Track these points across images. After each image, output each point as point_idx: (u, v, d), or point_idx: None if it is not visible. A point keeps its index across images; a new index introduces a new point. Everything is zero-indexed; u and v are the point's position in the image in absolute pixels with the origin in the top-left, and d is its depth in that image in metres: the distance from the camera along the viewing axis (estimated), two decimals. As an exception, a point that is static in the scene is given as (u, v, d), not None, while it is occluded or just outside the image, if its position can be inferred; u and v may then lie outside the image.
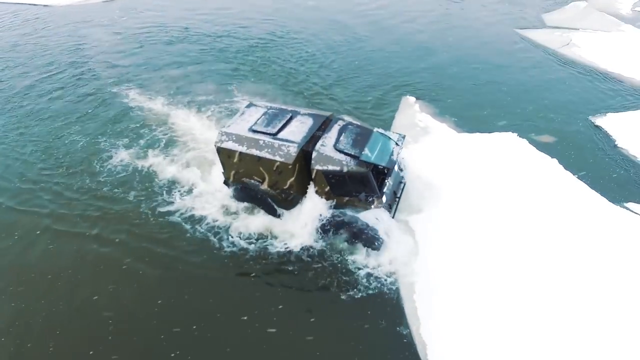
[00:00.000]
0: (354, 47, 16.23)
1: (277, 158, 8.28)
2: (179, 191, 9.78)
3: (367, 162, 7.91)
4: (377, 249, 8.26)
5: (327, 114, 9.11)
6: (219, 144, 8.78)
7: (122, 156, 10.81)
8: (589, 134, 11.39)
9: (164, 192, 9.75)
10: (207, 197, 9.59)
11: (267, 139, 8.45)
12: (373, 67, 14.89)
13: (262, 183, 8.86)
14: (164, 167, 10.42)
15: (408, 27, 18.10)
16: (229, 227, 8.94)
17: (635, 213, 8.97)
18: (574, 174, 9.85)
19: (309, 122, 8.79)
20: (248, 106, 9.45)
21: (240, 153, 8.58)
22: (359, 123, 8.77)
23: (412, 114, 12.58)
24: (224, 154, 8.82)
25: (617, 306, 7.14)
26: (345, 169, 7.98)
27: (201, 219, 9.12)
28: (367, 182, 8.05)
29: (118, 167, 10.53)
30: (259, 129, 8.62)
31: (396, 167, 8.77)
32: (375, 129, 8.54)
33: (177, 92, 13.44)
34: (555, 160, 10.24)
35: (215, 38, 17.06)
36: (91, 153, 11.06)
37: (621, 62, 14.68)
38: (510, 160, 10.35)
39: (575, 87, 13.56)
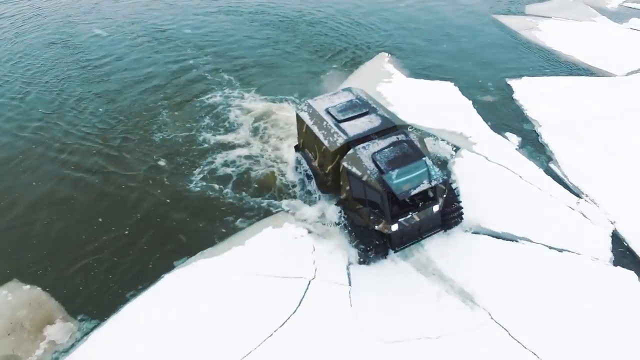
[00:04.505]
0: (357, 22, 19.97)
1: (325, 142, 8.70)
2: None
3: (385, 182, 7.73)
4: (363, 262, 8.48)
5: (399, 122, 9.09)
6: (297, 111, 9.70)
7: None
8: (501, 88, 14.51)
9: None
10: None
11: (330, 123, 8.91)
12: (360, 35, 18.60)
13: (315, 160, 9.52)
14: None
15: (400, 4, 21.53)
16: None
17: (507, 139, 12.10)
18: (479, 113, 13.16)
19: (376, 122, 8.87)
20: (345, 89, 10.13)
21: (307, 126, 9.27)
22: (418, 144, 8.49)
23: (379, 64, 16.31)
24: (299, 121, 9.71)
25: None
26: (364, 178, 7.94)
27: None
28: (380, 201, 7.92)
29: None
30: (331, 112, 9.13)
31: (436, 208, 8.28)
32: (426, 158, 8.12)
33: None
34: (470, 102, 13.65)
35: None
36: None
37: (568, 43, 17.09)
38: (440, 100, 13.83)
39: (511, 56, 16.56)
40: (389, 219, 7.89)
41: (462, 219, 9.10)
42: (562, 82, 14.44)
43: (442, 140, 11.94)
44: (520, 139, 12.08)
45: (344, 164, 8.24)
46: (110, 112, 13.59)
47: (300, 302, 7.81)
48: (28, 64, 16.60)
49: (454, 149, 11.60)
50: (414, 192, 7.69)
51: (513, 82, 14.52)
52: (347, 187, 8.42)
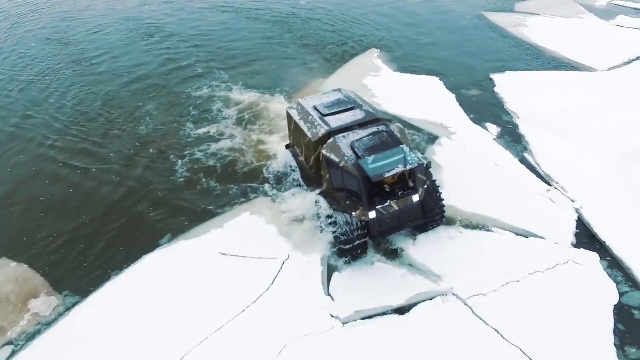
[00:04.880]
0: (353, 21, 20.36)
1: (309, 134, 8.98)
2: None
3: (361, 167, 7.87)
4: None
5: (381, 116, 9.35)
6: (288, 109, 10.00)
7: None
8: (484, 82, 14.85)
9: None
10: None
11: (316, 117, 9.18)
12: (354, 31, 19.03)
13: (301, 155, 9.77)
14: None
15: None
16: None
17: (487, 130, 12.46)
18: (461, 106, 13.49)
19: (359, 116, 9.11)
20: (335, 90, 10.38)
21: (295, 122, 9.58)
22: (398, 134, 8.70)
23: (369, 59, 16.62)
24: (288, 119, 10.01)
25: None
26: (342, 164, 8.09)
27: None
28: (357, 187, 8.00)
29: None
30: (318, 108, 9.42)
31: (416, 198, 8.25)
32: (404, 145, 8.29)
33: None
34: (453, 96, 13.97)
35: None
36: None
37: (554, 39, 17.40)
38: (424, 93, 14.17)
39: (497, 52, 16.91)
40: (367, 205, 7.93)
41: (444, 218, 9.10)
42: (544, 77, 14.74)
43: (422, 130, 12.31)
44: (499, 129, 12.40)
45: (324, 152, 8.44)
46: (96, 106, 13.90)
47: (273, 281, 8.17)
48: (19, 58, 17.02)
49: (433, 137, 11.97)
50: (388, 175, 7.74)
51: (496, 77, 14.83)
52: (327, 176, 8.50)
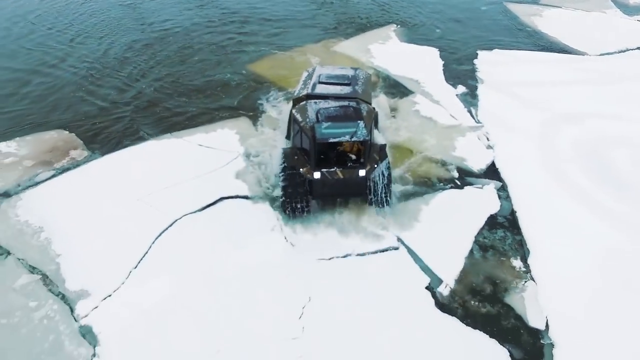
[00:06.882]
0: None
1: (295, 92, 10.49)
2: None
3: (314, 130, 8.55)
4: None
5: (366, 98, 10.17)
6: (304, 71, 11.38)
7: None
8: (473, 56, 16.45)
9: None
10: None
11: (313, 81, 10.27)
12: (389, 10, 21.11)
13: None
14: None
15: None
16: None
17: (453, 88, 14.32)
18: (443, 70, 15.42)
19: (344, 91, 10.05)
20: (352, 67, 11.51)
21: (299, 81, 11.07)
22: (364, 113, 9.22)
23: (384, 31, 18.58)
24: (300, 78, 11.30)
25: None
26: (302, 124, 8.88)
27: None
28: (309, 147, 8.72)
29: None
30: (321, 76, 10.52)
31: (362, 173, 8.73)
32: (361, 122, 8.82)
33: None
34: (442, 62, 15.84)
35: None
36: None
37: (560, 28, 18.27)
38: (416, 58, 16.20)
39: (500, 33, 18.35)
40: (314, 166, 8.69)
41: (388, 201, 9.38)
42: (528, 55, 16.03)
43: (397, 82, 14.46)
44: (465, 89, 14.22)
45: (293, 111, 9.54)
46: (141, 56, 16.85)
47: (227, 163, 10.93)
48: (91, 13, 20.82)
49: (404, 90, 14.10)
50: (332, 140, 8.62)
51: (483, 52, 16.39)
52: (292, 134, 9.50)
